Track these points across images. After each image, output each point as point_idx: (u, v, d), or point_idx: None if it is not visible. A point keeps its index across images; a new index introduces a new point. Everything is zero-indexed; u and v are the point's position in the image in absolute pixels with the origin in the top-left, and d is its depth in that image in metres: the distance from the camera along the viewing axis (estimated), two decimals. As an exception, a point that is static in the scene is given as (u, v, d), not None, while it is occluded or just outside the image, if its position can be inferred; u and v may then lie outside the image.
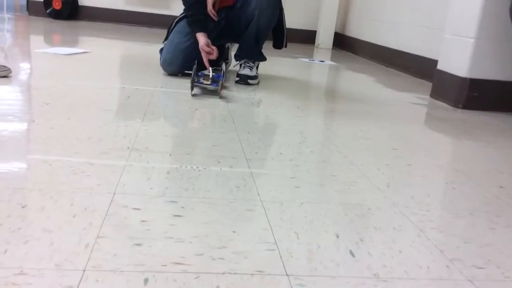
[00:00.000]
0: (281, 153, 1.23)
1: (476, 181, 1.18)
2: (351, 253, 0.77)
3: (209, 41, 1.97)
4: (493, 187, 1.15)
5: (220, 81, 1.85)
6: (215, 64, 2.07)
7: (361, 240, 0.81)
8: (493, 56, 2.07)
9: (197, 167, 1.06)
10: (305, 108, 1.79)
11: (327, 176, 1.10)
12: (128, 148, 1.14)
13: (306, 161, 1.19)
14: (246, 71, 2.11)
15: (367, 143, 1.41)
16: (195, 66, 1.83)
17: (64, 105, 1.47)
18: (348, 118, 1.72)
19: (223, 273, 0.67)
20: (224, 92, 1.92)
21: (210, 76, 1.86)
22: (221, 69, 1.99)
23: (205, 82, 1.81)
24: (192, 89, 1.78)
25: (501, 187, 1.16)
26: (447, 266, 0.76)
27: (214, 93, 1.86)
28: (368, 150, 1.35)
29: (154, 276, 0.64)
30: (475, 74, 2.08)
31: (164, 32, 2.38)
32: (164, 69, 2.12)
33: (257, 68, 2.18)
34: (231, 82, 2.13)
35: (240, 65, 2.16)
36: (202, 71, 1.92)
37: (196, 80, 1.82)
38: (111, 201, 0.85)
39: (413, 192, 1.06)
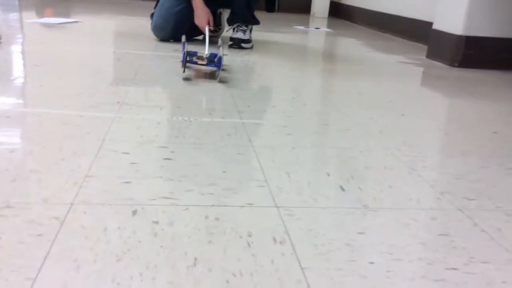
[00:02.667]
0: (273, 106, 1.23)
1: (469, 128, 1.17)
2: (341, 188, 0.77)
3: (210, 15, 1.95)
4: (487, 132, 1.15)
5: (217, 68, 1.50)
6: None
7: (352, 177, 0.81)
8: (489, 12, 2.04)
9: (188, 118, 1.06)
10: (300, 69, 1.78)
11: (320, 125, 1.10)
12: (118, 102, 1.13)
13: (298, 112, 1.19)
14: (239, 35, 2.08)
15: (361, 97, 1.40)
16: (184, 41, 1.54)
17: (54, 67, 1.45)
18: (343, 77, 1.71)
19: (212, 205, 0.67)
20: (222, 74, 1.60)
21: (206, 54, 1.49)
22: (219, 44, 1.64)
23: (199, 62, 1.47)
24: (183, 70, 1.47)
25: (495, 132, 1.15)
26: (438, 198, 0.76)
27: (211, 76, 1.52)
28: (362, 103, 1.34)
29: (143, 208, 0.64)
30: (471, 31, 2.05)
31: None
32: (155, 34, 2.09)
33: (250, 32, 2.16)
34: (224, 47, 2.11)
35: (233, 29, 2.13)
36: (195, 51, 1.52)
37: (188, 60, 1.47)
38: (100, 147, 0.85)
39: (405, 138, 1.05)
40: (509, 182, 0.84)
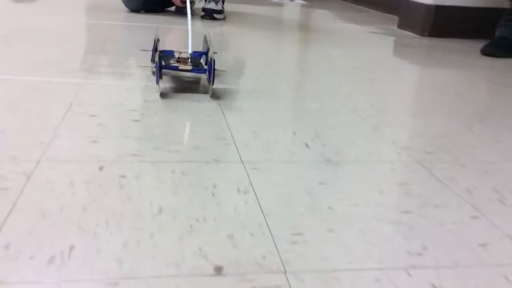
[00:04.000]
0: (245, 73, 1.24)
1: (434, 92, 1.21)
2: (306, 145, 0.79)
3: None
4: (450, 95, 1.18)
5: (208, 78, 1.01)
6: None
7: (317, 136, 0.84)
8: (458, -19, 2.07)
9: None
10: (273, 39, 1.78)
11: (289, 90, 1.12)
12: (87, 69, 1.13)
13: (269, 78, 1.20)
14: (211, 5, 2.07)
15: (331, 64, 1.42)
16: (157, 38, 1.10)
17: (22, 37, 1.43)
18: (315, 46, 1.72)
19: (179, 161, 0.69)
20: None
21: (188, 54, 1.09)
22: (206, 38, 1.15)
23: (181, 67, 1.00)
24: (157, 81, 0.98)
25: (459, 94, 1.19)
26: (398, 153, 0.79)
27: (196, 86, 1.06)
28: (332, 69, 1.36)
29: (109, 165, 0.66)
30: (441, 1, 2.08)
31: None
32: (125, 5, 2.07)
33: (223, 2, 2.14)
34: (196, 17, 2.10)
35: None
36: (171, 50, 1.14)
37: (163, 64, 1.01)
38: (68, 110, 0.85)
39: (373, 101, 1.08)
40: (469, 138, 0.88)
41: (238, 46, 1.58)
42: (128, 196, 0.58)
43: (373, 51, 1.69)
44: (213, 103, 0.96)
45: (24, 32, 1.49)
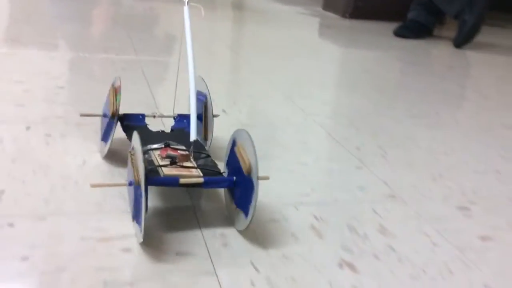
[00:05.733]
0: (168, 46, 1.30)
1: (345, 67, 1.33)
2: (224, 111, 0.87)
3: None
4: (360, 71, 1.31)
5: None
6: None
7: (234, 103, 0.92)
8: (376, -33, 2.22)
9: (83, 54, 1.10)
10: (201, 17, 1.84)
11: (213, 64, 1.19)
12: (12, 40, 1.14)
13: (194, 52, 1.27)
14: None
15: (256, 42, 1.51)
16: (137, 138, 0.48)
17: None
18: (242, 24, 1.80)
19: (103, 123, 0.75)
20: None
21: (192, 138, 0.52)
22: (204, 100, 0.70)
23: (182, 180, 0.49)
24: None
25: (367, 71, 1.32)
26: (304, 118, 0.89)
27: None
28: (256, 47, 1.44)
29: (36, 125, 0.70)
30: (360, -15, 2.22)
31: None
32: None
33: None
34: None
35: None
36: (139, 114, 0.67)
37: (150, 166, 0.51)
38: (-6, 77, 0.88)
39: (289, 74, 1.18)
40: (366, 107, 1.00)
41: (166, 23, 1.63)
42: (54, 151, 0.63)
43: (298, 31, 1.79)
44: (138, 72, 1.02)
45: None
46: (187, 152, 0.54)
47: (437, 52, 1.70)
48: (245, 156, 0.50)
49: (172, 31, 1.50)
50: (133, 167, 0.48)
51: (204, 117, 0.66)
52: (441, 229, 0.55)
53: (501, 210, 0.62)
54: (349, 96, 1.06)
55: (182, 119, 0.68)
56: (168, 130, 0.67)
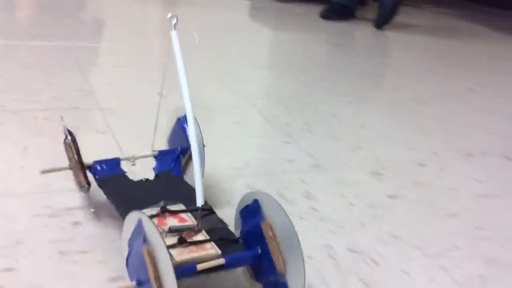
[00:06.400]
0: (99, 31, 1.30)
1: (276, 50, 1.40)
2: (159, 93, 0.91)
3: None
4: (288, 53, 1.38)
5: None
6: None
7: (170, 87, 0.96)
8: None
9: (13, 42, 1.09)
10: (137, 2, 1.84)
11: (143, 47, 1.22)
12: None
13: (124, 38, 1.28)
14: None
15: (188, 25, 1.54)
16: (153, 227, 0.37)
17: None
18: (172, 6, 1.81)
19: (41, 109, 0.76)
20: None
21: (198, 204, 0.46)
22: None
23: (199, 265, 0.39)
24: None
25: (295, 52, 1.39)
26: (236, 99, 0.95)
27: None
28: (188, 30, 1.47)
29: (-28, 114, 0.71)
30: (288, -32, 2.29)
31: None
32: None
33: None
34: None
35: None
36: (115, 159, 0.55)
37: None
38: None
39: (221, 58, 1.23)
40: (295, 87, 1.07)
41: (97, 7, 1.61)
42: (-5, 138, 0.65)
43: (229, 13, 1.84)
44: (71, 60, 1.03)
45: None
46: (193, 221, 0.43)
47: (359, 33, 1.82)
48: (277, 248, 0.40)
49: (100, 16, 1.50)
50: (150, 263, 0.36)
51: (187, 141, 0.55)
52: (356, 191, 0.64)
53: (408, 173, 0.71)
54: (279, 77, 1.13)
55: (163, 157, 0.57)
56: (150, 173, 0.55)
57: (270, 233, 0.40)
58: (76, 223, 0.49)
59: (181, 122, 0.58)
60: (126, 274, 0.40)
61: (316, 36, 1.66)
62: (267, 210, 0.40)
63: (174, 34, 0.53)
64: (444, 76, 1.31)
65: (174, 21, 0.53)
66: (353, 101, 1.01)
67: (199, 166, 0.44)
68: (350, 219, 0.57)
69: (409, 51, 1.61)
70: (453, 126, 0.94)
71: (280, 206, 0.39)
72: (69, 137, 0.51)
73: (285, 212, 0.39)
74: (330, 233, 0.54)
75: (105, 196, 0.49)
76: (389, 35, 1.80)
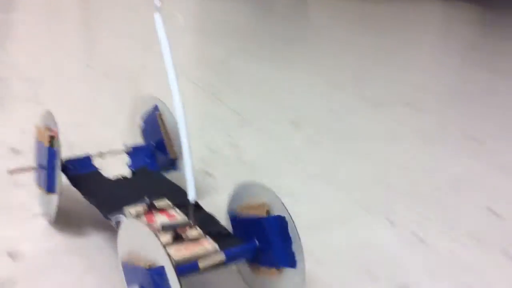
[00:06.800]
0: (6, 1, 1.30)
1: (205, 18, 1.45)
2: (88, 65, 0.95)
3: None
4: (218, 22, 1.44)
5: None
6: None
7: (97, 58, 1.00)
8: None
9: None
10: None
11: (73, 23, 1.24)
12: None
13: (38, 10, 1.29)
14: None
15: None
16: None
17: None
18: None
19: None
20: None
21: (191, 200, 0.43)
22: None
23: (201, 262, 0.38)
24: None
25: (225, 21, 1.45)
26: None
27: None
28: (108, 2, 1.49)
29: None
30: None
31: None
32: None
33: None
34: None
35: None
36: (86, 157, 0.53)
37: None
38: None
39: (146, 28, 1.26)
40: (225, 53, 1.13)
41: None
42: None
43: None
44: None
45: None
46: (182, 216, 0.42)
47: (285, 1, 1.89)
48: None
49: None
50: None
51: (164, 132, 0.52)
52: (275, 137, 0.73)
53: (322, 121, 0.81)
54: (208, 45, 1.19)
55: (137, 152, 0.54)
56: (124, 170, 0.51)
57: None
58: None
59: (158, 113, 0.56)
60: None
61: (245, 4, 1.71)
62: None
63: (158, 16, 0.50)
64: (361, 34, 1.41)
65: (158, 4, 0.50)
66: (277, 64, 1.09)
67: (190, 161, 0.42)
68: (268, 159, 0.66)
69: (328, 15, 1.70)
70: (364, 79, 1.04)
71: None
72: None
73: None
74: (251, 173, 0.62)
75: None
76: (312, 1, 1.88)
